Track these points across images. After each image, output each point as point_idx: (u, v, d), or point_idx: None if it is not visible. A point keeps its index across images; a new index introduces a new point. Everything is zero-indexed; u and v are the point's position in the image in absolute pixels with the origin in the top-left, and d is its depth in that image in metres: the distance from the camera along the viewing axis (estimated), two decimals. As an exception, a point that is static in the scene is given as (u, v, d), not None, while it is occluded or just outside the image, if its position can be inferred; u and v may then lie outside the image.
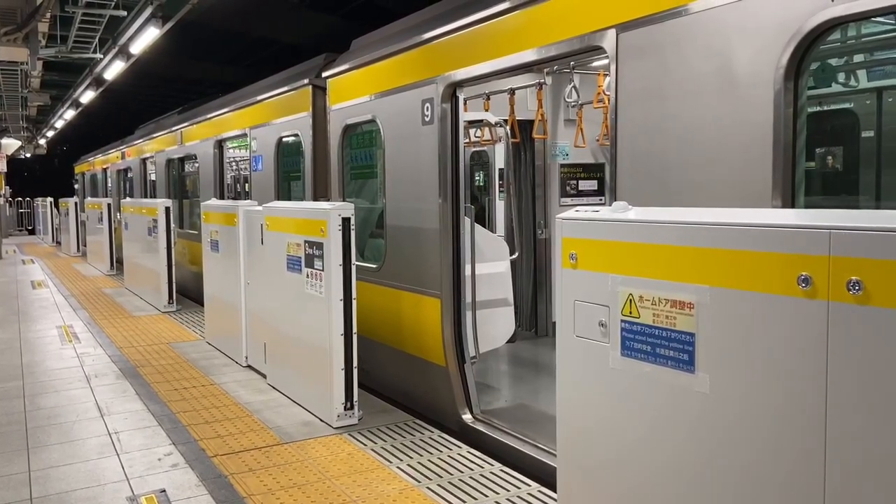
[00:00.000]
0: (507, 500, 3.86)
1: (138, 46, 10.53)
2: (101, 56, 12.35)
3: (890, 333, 1.89)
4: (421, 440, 4.79)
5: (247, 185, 9.27)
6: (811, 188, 4.46)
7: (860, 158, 4.61)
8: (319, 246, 4.98)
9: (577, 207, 2.99)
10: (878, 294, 1.91)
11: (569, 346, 2.89)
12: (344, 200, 6.66)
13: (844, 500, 2.01)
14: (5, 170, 21.47)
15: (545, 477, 4.14)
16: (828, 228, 2.01)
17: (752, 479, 2.25)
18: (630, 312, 2.62)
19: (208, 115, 10.62)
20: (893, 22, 3.89)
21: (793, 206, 2.87)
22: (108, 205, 14.59)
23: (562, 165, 7.51)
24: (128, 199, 14.48)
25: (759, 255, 2.18)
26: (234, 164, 10.28)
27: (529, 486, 4.03)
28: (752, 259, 2.20)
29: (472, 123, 7.05)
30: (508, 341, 6.53)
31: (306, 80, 7.23)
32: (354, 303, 4.98)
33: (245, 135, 9.11)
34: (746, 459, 2.26)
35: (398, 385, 5.93)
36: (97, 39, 11.55)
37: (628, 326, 2.63)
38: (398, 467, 4.31)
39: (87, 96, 16.22)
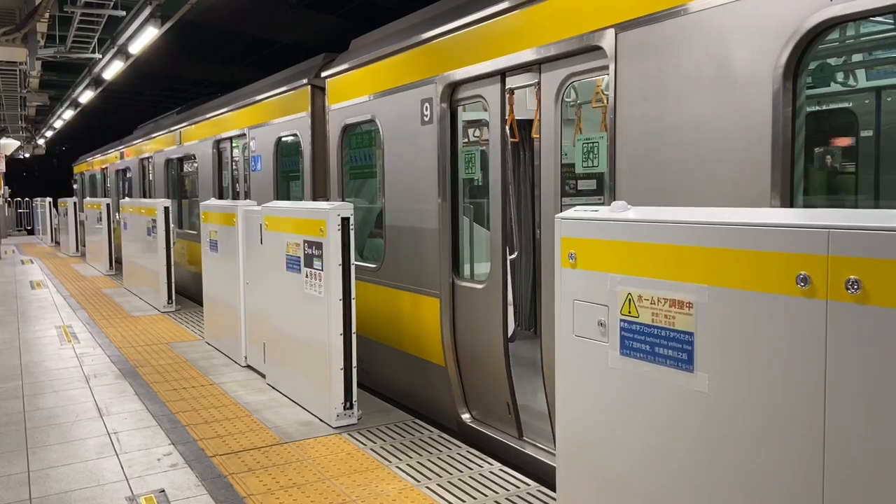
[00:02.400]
0: (507, 499, 3.87)
1: (137, 46, 10.53)
2: (100, 56, 12.34)
3: (888, 332, 1.89)
4: (420, 440, 4.79)
5: (246, 184, 9.27)
6: (810, 187, 4.46)
7: (859, 158, 4.61)
8: (319, 246, 4.98)
9: (576, 207, 2.99)
10: (877, 293, 1.91)
11: (568, 345, 2.89)
12: (343, 200, 6.66)
13: (843, 499, 2.02)
14: (4, 170, 21.45)
15: (544, 476, 4.15)
16: (826, 228, 2.01)
17: (750, 476, 2.25)
18: (629, 312, 2.62)
19: (207, 115, 10.61)
20: (892, 22, 3.89)
21: (791, 205, 2.87)
22: (107, 205, 14.60)
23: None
24: (127, 199, 14.47)
25: (758, 255, 2.18)
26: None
27: (528, 485, 4.04)
28: (750, 258, 2.21)
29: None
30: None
31: (305, 80, 7.23)
32: (353, 303, 4.99)
33: (244, 135, 9.11)
34: (744, 457, 2.26)
35: (397, 385, 5.93)
36: (96, 39, 11.53)
37: (627, 326, 2.63)
38: (397, 467, 4.31)
39: (86, 96, 16.21)
